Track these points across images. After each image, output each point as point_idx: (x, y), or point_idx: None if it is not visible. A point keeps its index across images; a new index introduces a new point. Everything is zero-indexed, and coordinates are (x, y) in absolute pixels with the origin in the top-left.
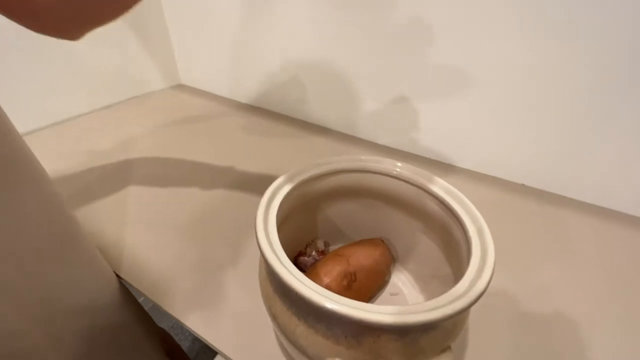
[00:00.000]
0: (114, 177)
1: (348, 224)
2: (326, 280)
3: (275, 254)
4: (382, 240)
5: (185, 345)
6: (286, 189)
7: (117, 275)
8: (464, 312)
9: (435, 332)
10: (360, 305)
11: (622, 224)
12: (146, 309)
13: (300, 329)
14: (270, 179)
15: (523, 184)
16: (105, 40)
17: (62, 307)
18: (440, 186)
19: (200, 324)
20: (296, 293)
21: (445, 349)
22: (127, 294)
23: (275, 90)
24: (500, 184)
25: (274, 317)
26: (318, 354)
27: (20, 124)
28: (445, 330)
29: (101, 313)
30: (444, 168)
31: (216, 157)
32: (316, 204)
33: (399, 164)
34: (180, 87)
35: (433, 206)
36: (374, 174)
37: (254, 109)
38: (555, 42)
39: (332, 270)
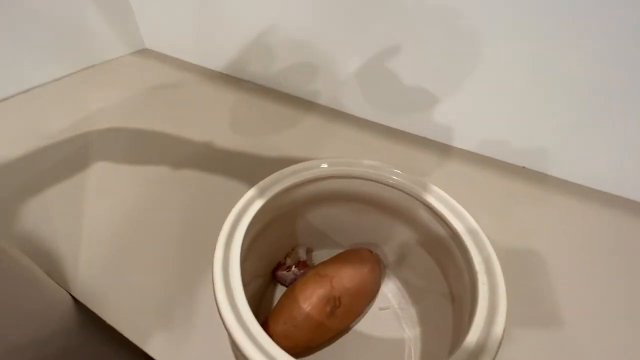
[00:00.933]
0: (70, 165)
1: (333, 228)
2: (306, 307)
3: (239, 321)
4: (371, 252)
5: None
6: (258, 204)
7: (72, 296)
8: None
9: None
10: None
11: (628, 210)
12: None
13: None
14: (248, 159)
15: (524, 167)
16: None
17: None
18: (444, 202)
19: (161, 349)
20: None
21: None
22: (88, 314)
23: (251, 58)
24: (501, 166)
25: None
26: None
27: None
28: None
29: (52, 343)
30: (441, 148)
31: (187, 133)
32: (297, 210)
33: (396, 172)
34: (144, 52)
35: (434, 222)
36: (364, 180)
37: (229, 78)
38: (563, 19)
39: (313, 295)
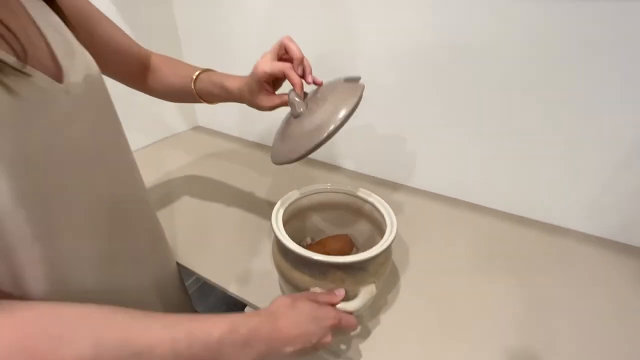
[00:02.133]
0: (164, 199)
1: (327, 226)
2: None
3: (282, 234)
4: (348, 236)
5: None
6: (285, 204)
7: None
8: (372, 260)
9: (364, 271)
10: (326, 257)
11: (542, 231)
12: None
13: (294, 273)
14: (274, 200)
15: (455, 198)
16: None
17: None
18: (379, 200)
19: (235, 285)
20: (293, 252)
21: (371, 282)
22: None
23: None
24: (441, 199)
25: (279, 270)
26: (305, 287)
27: None
28: (370, 272)
29: (166, 287)
30: (394, 187)
31: (234, 185)
32: (305, 213)
33: (359, 189)
34: (198, 128)
35: (375, 213)
36: (338, 193)
37: (260, 146)
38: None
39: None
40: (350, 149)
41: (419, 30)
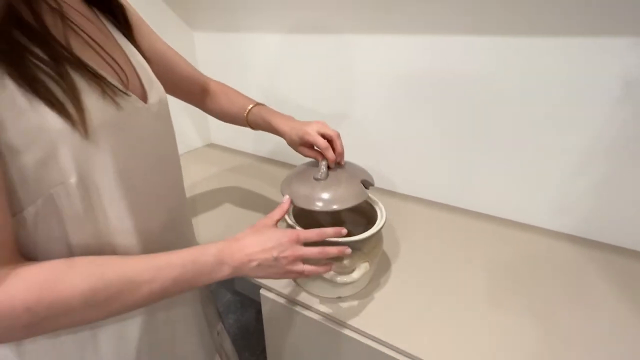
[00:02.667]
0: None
1: (330, 224)
2: None
3: (292, 221)
4: (346, 230)
5: None
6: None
7: None
8: (366, 241)
9: (359, 251)
10: (329, 238)
11: (511, 228)
12: None
13: None
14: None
15: (444, 203)
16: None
17: None
18: (373, 199)
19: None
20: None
21: (366, 261)
22: None
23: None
24: (426, 203)
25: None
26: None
27: None
28: (364, 252)
29: None
30: (388, 194)
31: (250, 195)
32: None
33: None
34: (211, 145)
35: (369, 209)
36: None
37: (273, 161)
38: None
39: None
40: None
41: (409, 60)
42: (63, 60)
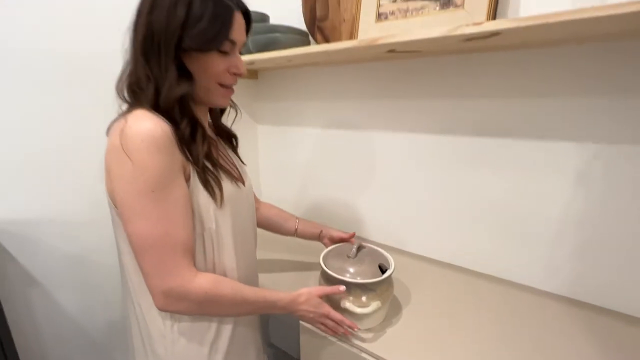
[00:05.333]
0: None
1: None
2: None
3: (326, 268)
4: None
5: None
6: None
7: None
8: (378, 284)
9: (373, 291)
10: (351, 279)
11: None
12: None
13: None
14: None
15: (450, 263)
16: None
17: None
18: (385, 253)
19: None
20: (334, 277)
21: (378, 300)
22: None
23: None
24: (431, 261)
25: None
26: (338, 298)
27: None
28: (377, 292)
29: None
30: (400, 252)
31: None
32: None
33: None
34: None
35: (386, 264)
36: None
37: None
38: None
39: None
40: (370, 223)
41: (414, 150)
42: (218, 167)
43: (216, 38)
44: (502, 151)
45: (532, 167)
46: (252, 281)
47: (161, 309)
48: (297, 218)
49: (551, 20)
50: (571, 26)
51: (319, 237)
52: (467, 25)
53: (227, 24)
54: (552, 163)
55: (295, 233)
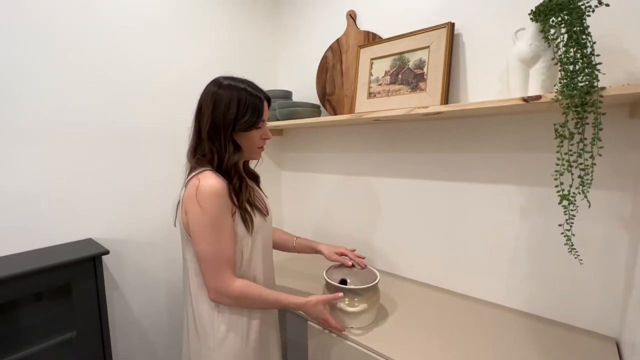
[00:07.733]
0: None
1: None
2: None
3: (327, 279)
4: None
5: None
6: (327, 269)
7: None
8: (365, 290)
9: (361, 296)
10: (345, 287)
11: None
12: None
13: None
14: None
15: (437, 286)
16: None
17: None
18: (372, 268)
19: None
20: (333, 285)
21: (365, 302)
22: None
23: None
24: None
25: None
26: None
27: None
28: (365, 297)
29: None
30: (393, 276)
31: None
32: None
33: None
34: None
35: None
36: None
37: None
38: None
39: None
40: (371, 250)
41: (409, 195)
42: (252, 206)
43: (255, 122)
44: (466, 193)
45: (491, 205)
46: (271, 284)
47: (212, 300)
48: (295, 237)
49: (467, 107)
50: (480, 110)
51: (315, 250)
52: (419, 107)
53: (260, 112)
54: (504, 201)
55: (294, 249)
